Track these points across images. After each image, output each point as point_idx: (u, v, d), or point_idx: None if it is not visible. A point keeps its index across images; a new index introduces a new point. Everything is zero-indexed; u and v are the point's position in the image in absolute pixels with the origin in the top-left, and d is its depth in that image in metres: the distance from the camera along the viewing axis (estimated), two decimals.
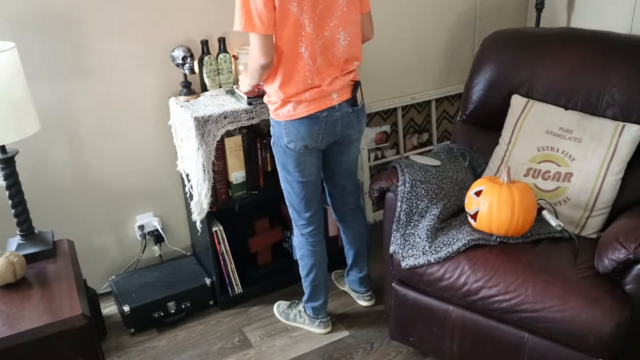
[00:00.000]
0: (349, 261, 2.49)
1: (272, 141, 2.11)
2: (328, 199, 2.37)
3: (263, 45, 1.83)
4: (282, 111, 1.97)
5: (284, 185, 2.17)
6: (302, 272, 2.31)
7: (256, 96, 2.27)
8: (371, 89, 2.84)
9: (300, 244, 2.26)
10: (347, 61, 2.00)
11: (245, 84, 2.12)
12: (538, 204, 2.01)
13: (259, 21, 1.80)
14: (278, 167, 2.14)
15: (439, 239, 1.99)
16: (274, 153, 2.13)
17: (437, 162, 2.24)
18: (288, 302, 2.51)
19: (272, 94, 1.98)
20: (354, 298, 2.59)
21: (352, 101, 2.04)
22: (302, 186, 2.12)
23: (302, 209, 2.17)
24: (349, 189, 2.29)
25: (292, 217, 2.24)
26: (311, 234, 2.23)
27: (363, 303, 2.55)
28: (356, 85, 2.05)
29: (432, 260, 1.94)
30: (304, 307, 2.42)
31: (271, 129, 2.08)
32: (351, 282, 2.57)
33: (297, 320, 2.43)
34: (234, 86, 2.40)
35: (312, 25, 1.87)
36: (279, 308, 2.51)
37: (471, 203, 1.99)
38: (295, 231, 2.27)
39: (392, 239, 2.06)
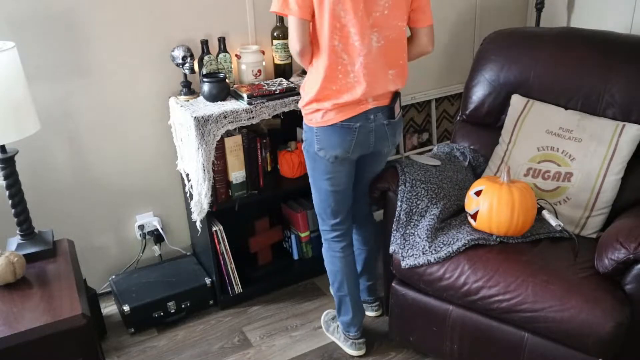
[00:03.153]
0: (359, 267, 2.39)
1: (303, 145, 2.05)
2: None
3: (297, 29, 1.78)
4: (315, 116, 1.89)
5: (312, 189, 2.11)
6: (330, 280, 2.25)
7: (257, 96, 2.27)
8: None
9: (325, 251, 2.20)
10: (384, 66, 1.87)
11: None
12: (538, 203, 2.01)
13: (295, 3, 1.74)
14: (308, 171, 2.09)
15: (439, 238, 1.99)
16: (305, 157, 2.08)
17: (437, 162, 2.24)
18: (334, 313, 2.38)
19: (303, 94, 1.92)
20: None
21: (389, 112, 1.93)
22: (330, 194, 2.04)
23: (328, 215, 2.11)
24: (366, 194, 2.21)
25: (317, 223, 2.21)
26: (335, 240, 2.15)
27: (371, 314, 2.48)
28: (395, 95, 1.94)
29: (432, 260, 1.94)
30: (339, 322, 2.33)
31: (303, 133, 2.02)
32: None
33: (334, 335, 2.34)
34: (235, 86, 2.40)
35: (349, 18, 1.77)
36: (326, 317, 2.44)
37: (471, 203, 1.99)
38: (322, 238, 2.21)
39: (392, 238, 2.06)
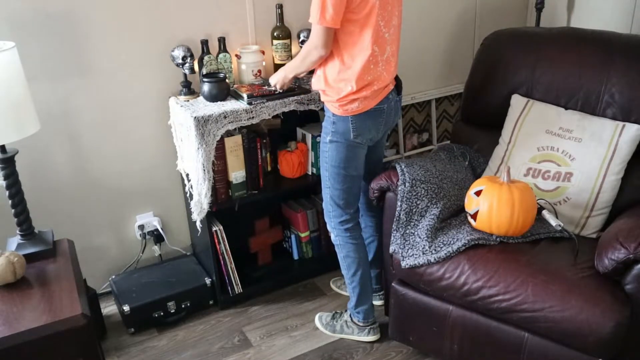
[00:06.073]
0: (371, 255, 2.41)
1: (326, 138, 2.08)
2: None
3: (328, 37, 1.89)
4: (351, 106, 1.99)
5: (331, 183, 2.14)
6: (348, 272, 2.26)
7: (257, 96, 2.27)
8: None
9: (342, 242, 2.23)
10: (396, 51, 2.07)
11: (281, 75, 2.18)
12: (538, 203, 2.01)
13: (332, 14, 1.83)
14: (327, 166, 2.12)
15: (439, 238, 1.99)
16: (323, 151, 2.11)
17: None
18: (330, 314, 2.44)
19: (341, 88, 1.97)
20: None
21: (397, 90, 2.13)
22: (352, 180, 2.13)
23: (348, 204, 2.17)
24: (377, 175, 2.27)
25: (331, 215, 2.21)
26: (353, 228, 2.22)
27: (377, 302, 2.49)
28: (396, 75, 2.15)
29: (432, 260, 1.94)
30: (350, 316, 2.35)
31: (330, 125, 2.06)
32: None
33: (344, 332, 2.36)
34: (235, 86, 2.40)
35: (380, 12, 1.90)
36: (321, 320, 2.43)
37: (471, 203, 1.99)
38: (335, 231, 2.23)
39: (392, 238, 2.06)
